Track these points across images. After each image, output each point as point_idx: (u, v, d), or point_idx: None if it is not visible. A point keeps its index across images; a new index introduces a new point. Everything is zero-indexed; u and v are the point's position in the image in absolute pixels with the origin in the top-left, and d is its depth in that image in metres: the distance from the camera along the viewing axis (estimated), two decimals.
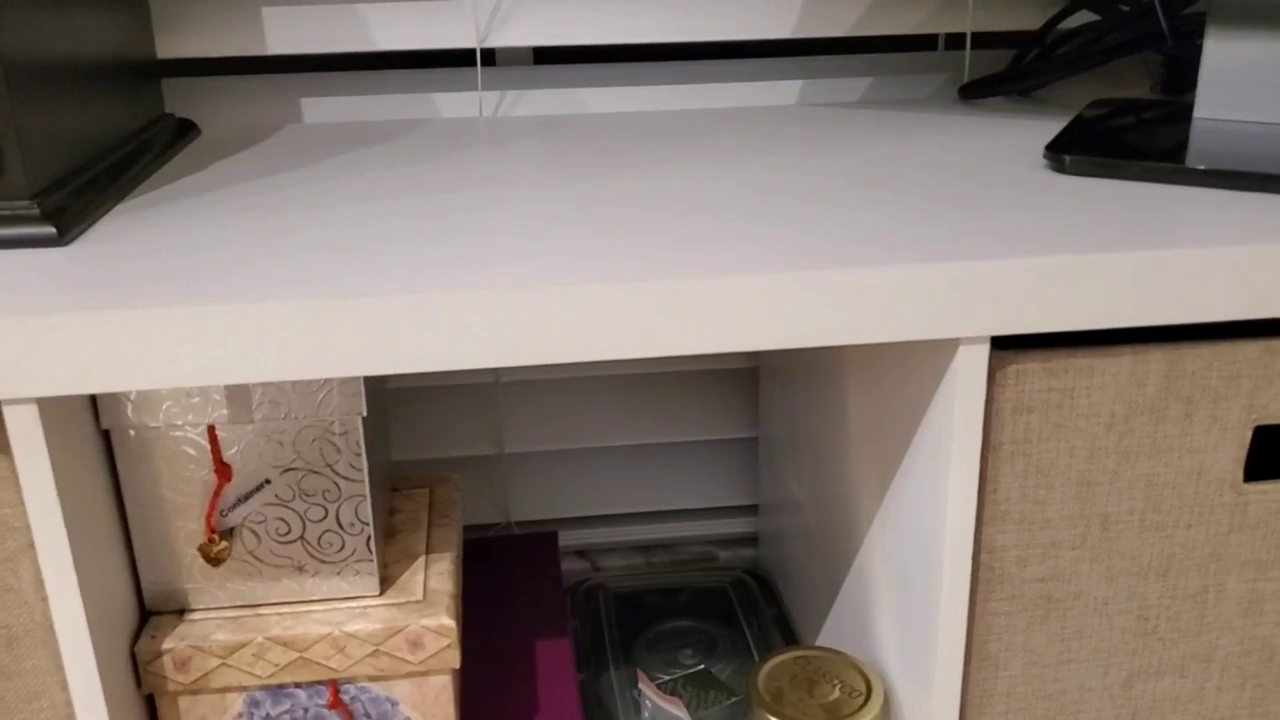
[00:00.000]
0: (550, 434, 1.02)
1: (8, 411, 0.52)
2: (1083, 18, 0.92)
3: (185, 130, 0.83)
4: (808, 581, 0.88)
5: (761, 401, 1.00)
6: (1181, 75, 0.90)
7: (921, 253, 0.55)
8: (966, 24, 0.94)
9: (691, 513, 1.07)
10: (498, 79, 0.92)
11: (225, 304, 0.51)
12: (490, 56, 0.98)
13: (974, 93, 0.92)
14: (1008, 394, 0.59)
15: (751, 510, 1.07)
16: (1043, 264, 0.54)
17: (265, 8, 0.88)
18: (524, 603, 0.86)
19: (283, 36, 0.88)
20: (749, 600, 0.95)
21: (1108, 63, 0.88)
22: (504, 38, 0.89)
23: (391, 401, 0.99)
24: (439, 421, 1.00)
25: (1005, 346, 0.58)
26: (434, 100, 0.91)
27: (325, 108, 0.91)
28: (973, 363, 0.57)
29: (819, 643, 0.86)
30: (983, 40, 0.96)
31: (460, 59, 0.93)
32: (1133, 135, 0.74)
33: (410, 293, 0.51)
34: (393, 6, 0.88)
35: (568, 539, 1.06)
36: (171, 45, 0.86)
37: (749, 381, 1.03)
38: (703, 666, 0.86)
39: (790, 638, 0.91)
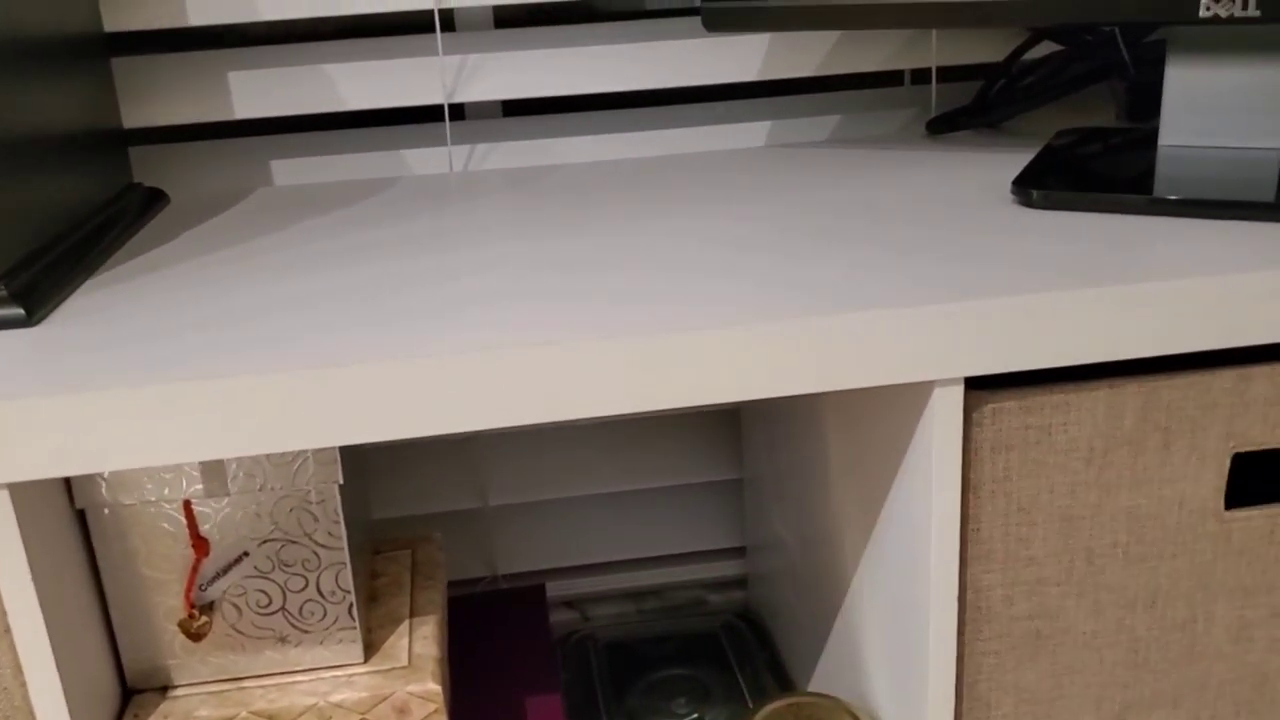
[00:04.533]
0: (534, 485, 1.01)
1: None
2: (1046, 48, 0.92)
3: (154, 199, 0.82)
4: (798, 624, 0.88)
5: (745, 443, 1.00)
6: (1145, 102, 0.90)
7: (891, 298, 0.55)
8: (931, 59, 0.94)
9: (680, 557, 1.07)
10: (467, 133, 0.93)
11: (194, 381, 0.50)
12: (460, 111, 0.98)
13: (941, 127, 0.92)
14: (985, 433, 0.59)
15: (740, 552, 1.07)
16: (1013, 304, 0.54)
17: (231, 72, 0.88)
18: (513, 660, 0.85)
19: (250, 100, 0.88)
20: (741, 645, 0.95)
21: (1072, 93, 0.88)
22: (472, 93, 0.90)
23: (372, 459, 0.98)
24: (422, 477, 1.00)
25: (980, 386, 0.58)
26: (404, 157, 0.91)
27: (296, 169, 0.91)
28: (948, 404, 0.57)
29: (812, 686, 0.85)
30: (950, 73, 0.97)
31: (431, 114, 0.94)
32: (1099, 165, 0.74)
33: (380, 361, 0.51)
34: (360, 66, 0.89)
35: (556, 589, 1.05)
36: (138, 114, 0.86)
37: (732, 423, 1.03)
38: (696, 716, 0.85)
39: (784, 681, 0.90)
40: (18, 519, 0.52)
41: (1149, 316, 0.56)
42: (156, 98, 0.86)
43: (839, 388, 0.54)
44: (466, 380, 0.52)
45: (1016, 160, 0.81)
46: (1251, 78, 0.72)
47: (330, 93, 0.89)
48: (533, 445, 1.01)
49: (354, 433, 0.52)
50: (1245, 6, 0.66)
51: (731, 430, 1.03)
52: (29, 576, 0.53)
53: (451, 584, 1.02)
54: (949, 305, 0.54)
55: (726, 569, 1.07)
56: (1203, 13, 0.67)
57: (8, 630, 0.54)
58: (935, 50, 0.94)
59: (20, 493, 0.52)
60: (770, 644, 0.95)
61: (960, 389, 0.57)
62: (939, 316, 0.54)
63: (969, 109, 0.92)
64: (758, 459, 0.95)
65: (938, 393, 0.56)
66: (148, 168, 0.89)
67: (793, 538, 0.86)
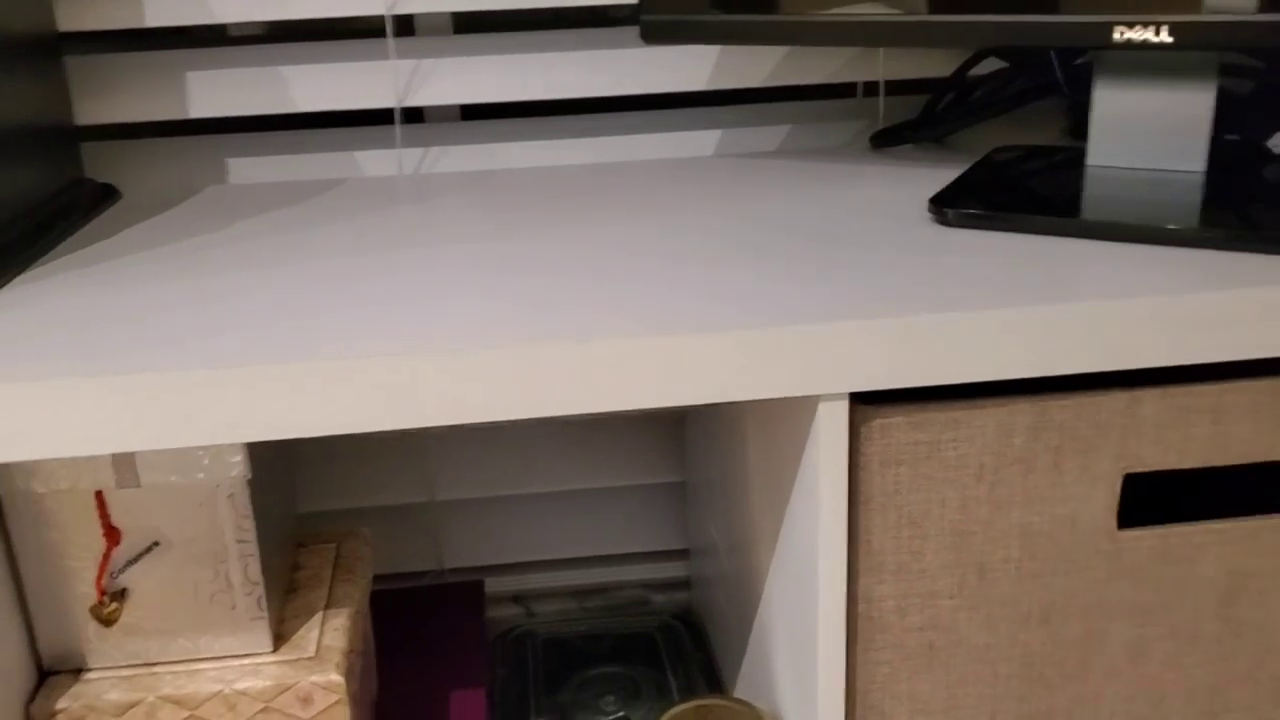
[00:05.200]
0: (482, 481, 1.03)
1: None
2: (995, 64, 0.93)
3: (105, 195, 0.84)
4: (729, 627, 0.89)
5: (687, 448, 1.01)
6: (1085, 120, 0.91)
7: (781, 314, 0.56)
8: (879, 72, 0.95)
9: (625, 557, 1.08)
10: (420, 136, 0.94)
11: (104, 375, 0.52)
12: (419, 115, 1.00)
13: (885, 141, 0.93)
14: (874, 447, 0.60)
15: (684, 555, 1.08)
16: (899, 323, 0.56)
17: (187, 72, 0.90)
18: (444, 654, 0.87)
19: (204, 100, 0.90)
20: (676, 646, 0.96)
21: (1012, 109, 0.89)
22: (422, 97, 0.91)
23: (318, 452, 1.00)
24: (370, 470, 1.01)
25: (869, 401, 0.60)
26: (356, 158, 0.93)
27: (249, 168, 0.92)
28: (833, 418, 0.58)
29: (738, 690, 0.86)
30: (902, 86, 0.98)
31: (389, 117, 0.95)
32: (1025, 184, 0.75)
33: (281, 362, 0.53)
34: (314, 68, 0.90)
35: (503, 585, 1.07)
36: (91, 111, 0.87)
37: (679, 427, 1.04)
38: (623, 714, 0.87)
39: (714, 683, 0.92)
40: None
41: (1039, 338, 0.57)
42: (111, 95, 0.88)
43: (722, 400, 0.56)
44: (367, 382, 0.54)
45: (951, 176, 0.82)
46: (1172, 102, 0.73)
47: (283, 94, 0.90)
48: (482, 442, 1.03)
49: (258, 430, 0.54)
50: (1158, 33, 0.67)
51: (675, 433, 1.04)
52: None
53: (397, 576, 1.04)
54: (833, 323, 0.55)
55: (671, 570, 1.08)
56: (1116, 38, 0.68)
57: None
58: (883, 64, 0.95)
59: None
60: (706, 646, 0.97)
61: (845, 404, 0.58)
62: (823, 333, 0.55)
63: (914, 123, 0.93)
64: (696, 464, 0.97)
65: (822, 408, 0.58)
66: (101, 164, 0.90)
67: (723, 543, 0.88)
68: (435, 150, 0.94)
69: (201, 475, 0.62)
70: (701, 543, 0.98)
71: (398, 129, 0.93)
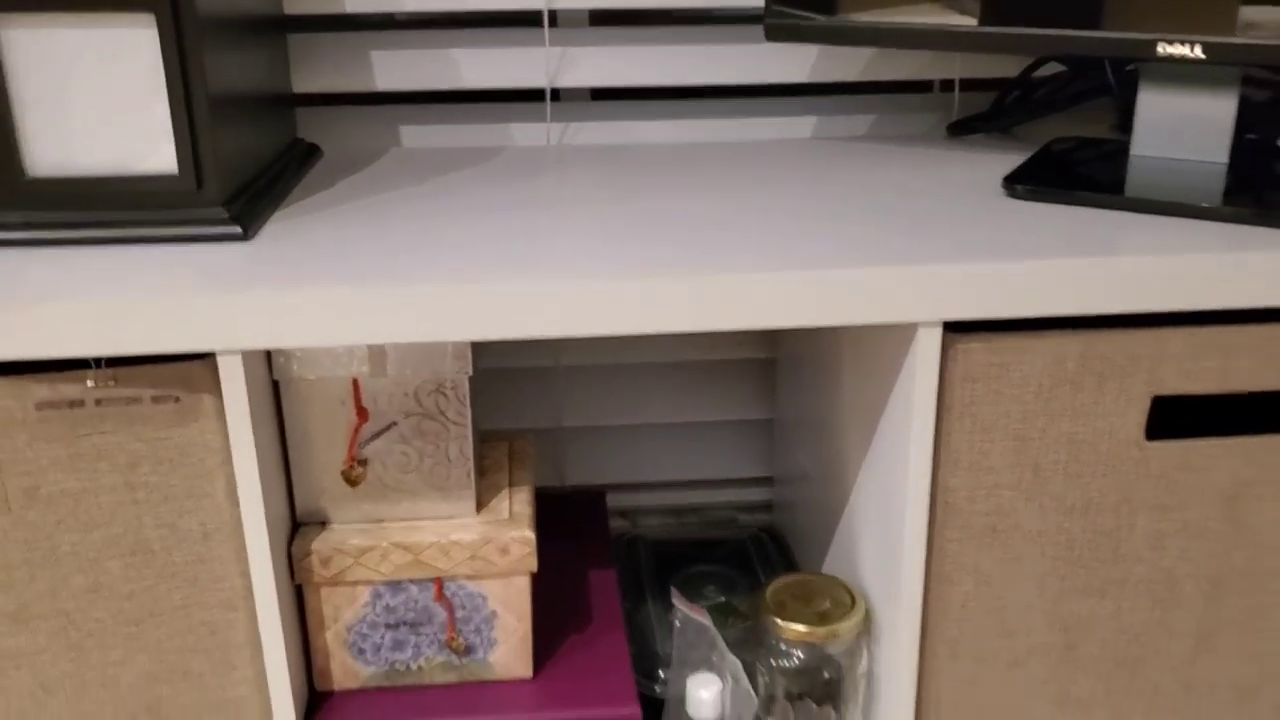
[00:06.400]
0: (602, 411, 1.20)
1: (220, 360, 0.71)
2: (1055, 68, 1.10)
3: (312, 153, 1.02)
4: (811, 537, 1.07)
5: (778, 388, 1.19)
6: (1131, 117, 1.08)
7: (889, 258, 0.73)
8: (955, 71, 1.12)
9: (717, 482, 1.26)
10: (563, 112, 1.12)
11: (360, 286, 0.70)
12: (555, 94, 1.17)
13: (960, 130, 1.10)
14: (958, 366, 0.77)
15: (768, 481, 1.26)
16: (981, 268, 0.73)
17: (373, 51, 1.07)
18: (578, 543, 1.05)
19: (388, 75, 1.07)
20: (764, 552, 1.14)
21: (1071, 107, 1.06)
22: (570, 79, 1.09)
23: (476, 380, 1.18)
24: (510, 398, 1.19)
25: (955, 330, 0.77)
26: (510, 130, 1.11)
27: (420, 134, 1.10)
28: (929, 342, 0.75)
29: None
30: (973, 84, 1.15)
31: (529, 95, 1.13)
32: (1080, 168, 0.92)
33: (499, 280, 0.70)
34: (477, 51, 1.08)
35: (612, 501, 1.24)
36: (304, 81, 1.05)
37: (767, 371, 1.21)
38: (724, 599, 1.05)
39: None
40: (246, 378, 0.72)
41: (1089, 284, 0.74)
42: (317, 68, 1.06)
43: (847, 323, 0.73)
44: (555, 298, 0.71)
45: (1016, 160, 0.99)
46: (1203, 105, 0.90)
47: (453, 72, 1.08)
48: (603, 378, 1.20)
49: (481, 331, 0.71)
50: (1193, 49, 0.83)
51: (766, 377, 1.21)
52: (249, 423, 0.73)
53: None
54: (932, 266, 0.72)
55: (755, 495, 1.26)
56: (1159, 53, 0.84)
57: (225, 462, 0.74)
58: (959, 65, 1.12)
59: (246, 359, 0.72)
60: (789, 554, 1.14)
61: (939, 330, 0.75)
62: (923, 275, 0.72)
63: (985, 115, 1.10)
64: (787, 401, 1.14)
65: (920, 332, 0.75)
66: (303, 126, 1.08)
67: (811, 466, 1.05)
68: (575, 125, 1.11)
69: (435, 369, 0.79)
70: (788, 470, 1.16)
71: (548, 106, 1.11)
